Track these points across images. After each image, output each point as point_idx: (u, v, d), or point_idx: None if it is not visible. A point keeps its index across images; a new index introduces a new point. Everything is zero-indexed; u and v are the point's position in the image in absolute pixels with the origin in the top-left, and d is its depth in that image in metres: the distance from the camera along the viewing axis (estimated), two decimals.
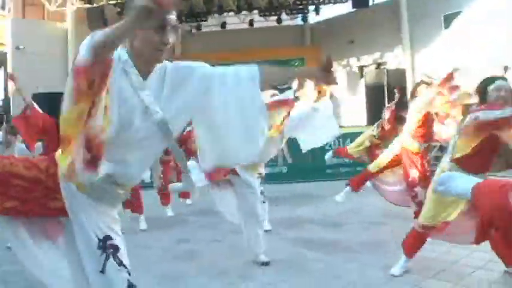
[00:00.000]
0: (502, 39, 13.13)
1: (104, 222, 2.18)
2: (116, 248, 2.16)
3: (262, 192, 5.38)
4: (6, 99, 18.53)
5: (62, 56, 17.96)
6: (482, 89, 3.98)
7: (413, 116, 6.18)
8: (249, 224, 5.02)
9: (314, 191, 10.23)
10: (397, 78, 14.01)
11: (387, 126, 7.71)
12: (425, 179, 5.81)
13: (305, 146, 6.61)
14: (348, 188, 7.22)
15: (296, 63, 20.18)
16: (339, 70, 19.77)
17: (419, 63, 16.51)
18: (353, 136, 9.81)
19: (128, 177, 2.27)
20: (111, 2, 17.02)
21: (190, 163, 4.65)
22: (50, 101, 14.55)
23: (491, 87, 3.88)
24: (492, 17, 13.64)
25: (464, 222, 3.90)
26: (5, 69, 19.32)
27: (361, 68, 19.04)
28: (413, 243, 4.34)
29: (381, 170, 6.90)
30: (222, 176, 4.60)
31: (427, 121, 6.16)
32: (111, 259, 2.13)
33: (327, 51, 19.77)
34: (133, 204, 6.95)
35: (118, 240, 2.20)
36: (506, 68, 5.36)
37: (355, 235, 6.05)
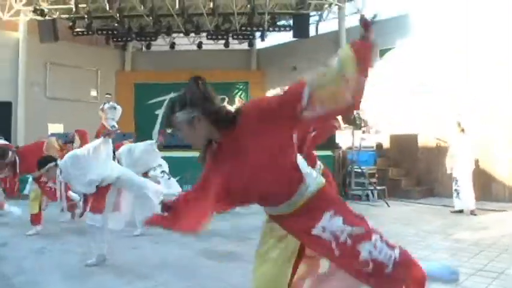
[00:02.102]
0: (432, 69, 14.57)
1: None
2: None
3: None
4: None
5: (12, 65, 18.23)
6: None
7: None
8: None
9: (241, 210, 10.92)
10: None
11: None
12: None
13: None
14: None
15: (241, 87, 21.01)
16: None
17: None
18: None
19: None
20: (63, 16, 17.53)
21: None
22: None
23: None
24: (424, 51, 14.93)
25: None
26: None
27: None
28: None
29: None
30: None
31: None
32: None
33: (271, 76, 20.73)
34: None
35: None
36: None
37: (251, 249, 6.77)
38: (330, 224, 2.44)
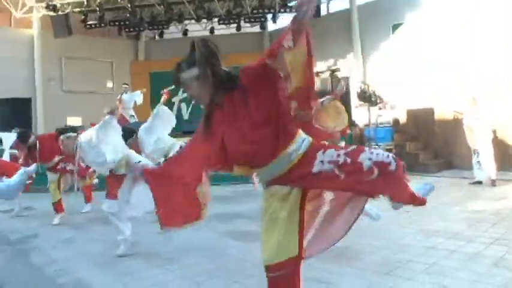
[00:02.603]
0: (438, 45, 14.36)
1: None
2: None
3: None
4: None
5: (28, 61, 18.52)
6: None
7: None
8: None
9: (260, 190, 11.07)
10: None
11: None
12: None
13: None
14: None
15: None
16: None
17: (369, 69, 17.55)
18: None
19: None
20: (75, 10, 17.68)
21: None
22: (16, 106, 15.30)
23: None
24: (431, 27, 14.83)
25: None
26: None
27: (316, 74, 19.80)
28: None
29: None
30: None
31: None
32: None
33: None
34: None
35: None
36: None
37: None
38: (324, 156, 2.62)
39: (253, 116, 2.53)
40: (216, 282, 4.59)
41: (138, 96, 15.15)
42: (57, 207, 8.44)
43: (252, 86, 2.55)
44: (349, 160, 2.56)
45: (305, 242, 2.85)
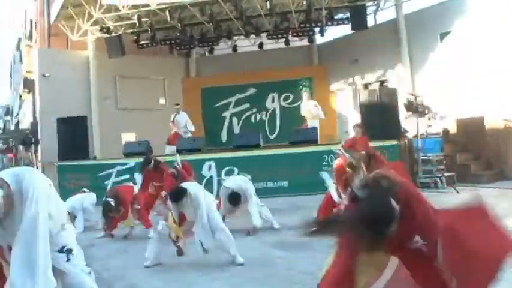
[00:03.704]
0: (488, 52, 14.24)
1: None
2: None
3: None
4: (35, 122, 19.80)
5: (84, 81, 19.20)
6: None
7: None
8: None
9: (309, 203, 11.20)
10: (388, 97, 14.67)
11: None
12: None
13: None
14: None
15: (305, 83, 21.16)
16: (345, 88, 20.67)
17: (418, 79, 17.37)
18: None
19: None
20: (127, 31, 18.29)
21: None
22: (73, 124, 15.91)
23: None
24: (480, 34, 14.66)
25: None
26: (33, 95, 20.69)
27: (365, 85, 19.69)
28: None
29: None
30: None
31: None
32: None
33: (333, 70, 20.77)
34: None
35: None
36: None
37: (321, 240, 7.00)
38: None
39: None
40: None
41: (190, 125, 15.62)
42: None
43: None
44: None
45: None
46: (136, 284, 5.31)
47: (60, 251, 3.18)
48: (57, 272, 3.16)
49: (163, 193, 9.08)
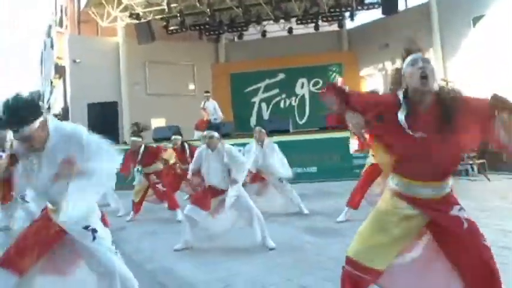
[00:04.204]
0: None
1: None
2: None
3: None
4: (66, 108, 20.04)
5: (114, 67, 19.41)
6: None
7: None
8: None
9: (338, 189, 11.15)
10: None
11: None
12: None
13: None
14: (347, 209, 7.42)
15: (334, 68, 21.00)
16: (374, 74, 20.44)
17: (450, 64, 17.09)
18: None
19: None
20: (157, 17, 18.33)
21: None
22: (103, 110, 16.05)
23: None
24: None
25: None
26: (64, 81, 20.90)
27: (396, 70, 19.38)
28: None
29: (367, 184, 7.19)
30: None
31: None
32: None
33: (363, 56, 20.54)
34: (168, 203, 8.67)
35: None
36: None
37: (351, 226, 6.96)
38: (461, 212, 2.78)
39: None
40: (292, 273, 4.74)
41: (219, 112, 15.53)
42: (135, 206, 8.94)
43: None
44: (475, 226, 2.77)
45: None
46: (167, 266, 5.33)
47: (85, 228, 3.18)
48: (84, 251, 3.22)
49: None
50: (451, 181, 2.82)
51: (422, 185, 2.76)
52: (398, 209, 2.83)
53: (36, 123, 2.90)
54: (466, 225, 2.70)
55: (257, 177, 8.32)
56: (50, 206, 3.24)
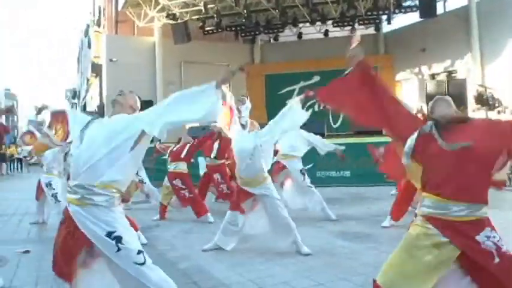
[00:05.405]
0: None
1: None
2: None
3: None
4: (101, 105, 20.32)
5: (150, 67, 19.63)
6: None
7: None
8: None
9: (371, 194, 11.08)
10: (457, 89, 14.26)
11: None
12: None
13: None
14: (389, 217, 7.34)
15: None
16: (411, 78, 20.22)
17: (489, 70, 16.77)
18: None
19: None
20: (193, 17, 18.45)
21: None
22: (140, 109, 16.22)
23: None
24: None
25: None
26: (101, 79, 21.23)
27: (433, 76, 19.21)
28: None
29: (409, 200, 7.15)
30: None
31: None
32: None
33: (399, 60, 20.33)
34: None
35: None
36: None
37: (385, 231, 6.94)
38: (491, 233, 2.68)
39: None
40: (324, 277, 4.73)
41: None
42: (161, 208, 8.89)
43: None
44: (508, 253, 2.65)
45: None
46: (200, 265, 5.37)
47: (108, 235, 2.96)
48: (111, 265, 3.05)
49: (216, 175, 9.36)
50: (485, 209, 2.73)
51: (453, 203, 2.70)
52: (429, 236, 2.74)
53: None
54: (497, 259, 2.59)
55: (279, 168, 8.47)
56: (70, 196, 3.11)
